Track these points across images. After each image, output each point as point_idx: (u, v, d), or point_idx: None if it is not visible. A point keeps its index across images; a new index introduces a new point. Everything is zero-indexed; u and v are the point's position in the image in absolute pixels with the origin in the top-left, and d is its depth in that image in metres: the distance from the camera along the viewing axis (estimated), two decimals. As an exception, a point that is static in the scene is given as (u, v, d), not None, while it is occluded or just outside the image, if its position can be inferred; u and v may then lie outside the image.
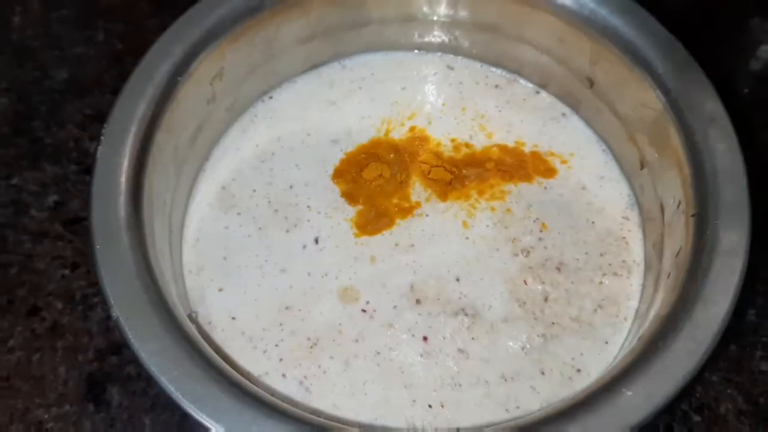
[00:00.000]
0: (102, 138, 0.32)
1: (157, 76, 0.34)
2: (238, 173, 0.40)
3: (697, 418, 0.40)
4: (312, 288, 0.37)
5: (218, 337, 0.35)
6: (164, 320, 0.28)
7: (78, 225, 0.45)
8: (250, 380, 0.29)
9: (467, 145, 0.42)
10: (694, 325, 0.27)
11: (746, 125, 0.50)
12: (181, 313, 0.30)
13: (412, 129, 0.42)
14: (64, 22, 0.53)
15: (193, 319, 0.35)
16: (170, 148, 0.35)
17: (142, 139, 0.33)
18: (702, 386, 0.39)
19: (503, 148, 0.42)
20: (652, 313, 0.30)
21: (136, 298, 0.29)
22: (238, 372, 0.29)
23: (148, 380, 0.40)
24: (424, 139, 0.42)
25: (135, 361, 0.40)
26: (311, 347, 0.35)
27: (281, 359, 0.35)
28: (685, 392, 0.38)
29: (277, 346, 0.35)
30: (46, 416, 0.39)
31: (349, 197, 0.40)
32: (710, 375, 0.40)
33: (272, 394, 0.29)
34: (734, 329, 0.39)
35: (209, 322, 0.36)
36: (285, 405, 0.27)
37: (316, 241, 0.39)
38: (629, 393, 0.26)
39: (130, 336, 0.28)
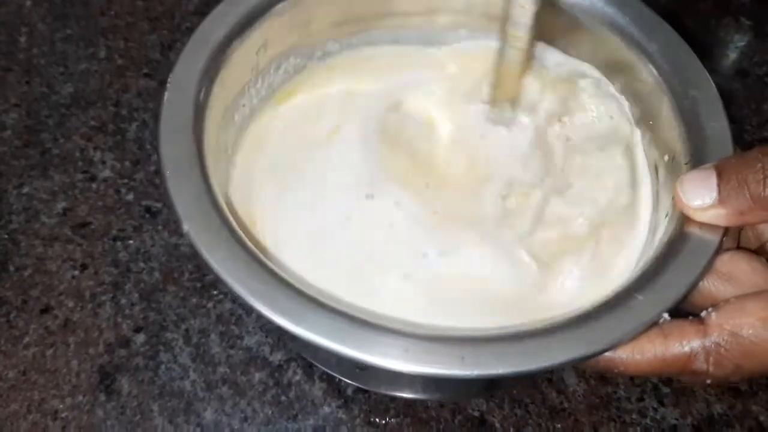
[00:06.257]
0: (168, 85, 0.34)
1: (213, 40, 0.37)
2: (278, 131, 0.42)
3: (666, 389, 0.42)
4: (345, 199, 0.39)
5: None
6: (227, 232, 0.31)
7: (86, 229, 0.47)
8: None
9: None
10: (694, 245, 0.30)
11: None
12: (238, 228, 0.32)
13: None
14: (68, 41, 0.55)
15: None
16: (222, 99, 0.37)
17: (202, 89, 0.35)
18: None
19: None
20: (658, 237, 0.33)
21: (203, 213, 0.31)
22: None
23: (156, 370, 0.42)
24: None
25: (143, 353, 0.43)
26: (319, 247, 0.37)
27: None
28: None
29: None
30: (61, 406, 0.40)
31: None
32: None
33: None
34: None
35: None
36: (331, 303, 0.29)
37: None
38: (640, 297, 0.29)
39: (199, 245, 0.30)
